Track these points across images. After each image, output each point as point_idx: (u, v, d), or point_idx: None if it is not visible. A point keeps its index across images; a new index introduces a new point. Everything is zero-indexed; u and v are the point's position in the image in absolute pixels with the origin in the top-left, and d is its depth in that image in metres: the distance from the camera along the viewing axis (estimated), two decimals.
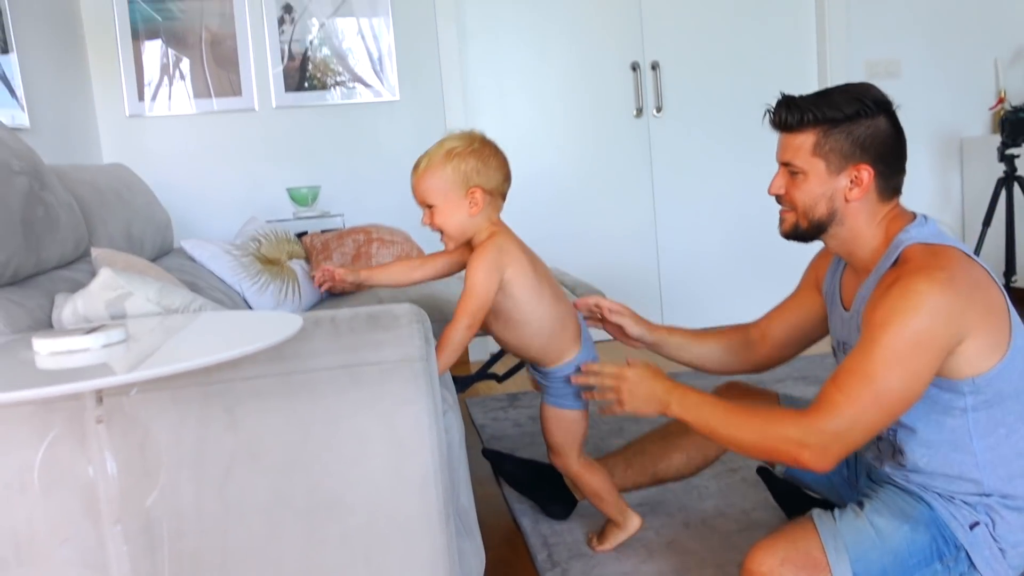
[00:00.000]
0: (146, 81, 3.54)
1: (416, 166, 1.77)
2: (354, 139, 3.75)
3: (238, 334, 1.23)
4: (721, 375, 1.95)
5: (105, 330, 1.11)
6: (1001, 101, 4.09)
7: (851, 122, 1.47)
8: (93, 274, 1.93)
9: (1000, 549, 1.49)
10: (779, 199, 1.58)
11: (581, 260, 3.80)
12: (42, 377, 0.99)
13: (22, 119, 2.65)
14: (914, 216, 1.53)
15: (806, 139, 1.50)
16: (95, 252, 1.88)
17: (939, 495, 1.51)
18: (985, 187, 4.00)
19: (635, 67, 3.92)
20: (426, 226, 1.77)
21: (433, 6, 3.73)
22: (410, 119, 3.77)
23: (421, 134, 3.79)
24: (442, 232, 1.77)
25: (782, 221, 1.59)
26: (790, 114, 1.52)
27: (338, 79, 3.68)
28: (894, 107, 1.52)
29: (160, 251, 2.73)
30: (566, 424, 1.85)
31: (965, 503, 1.50)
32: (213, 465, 1.27)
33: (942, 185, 4.22)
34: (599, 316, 1.92)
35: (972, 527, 1.49)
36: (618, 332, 1.91)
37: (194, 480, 1.26)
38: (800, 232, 1.56)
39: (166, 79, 3.56)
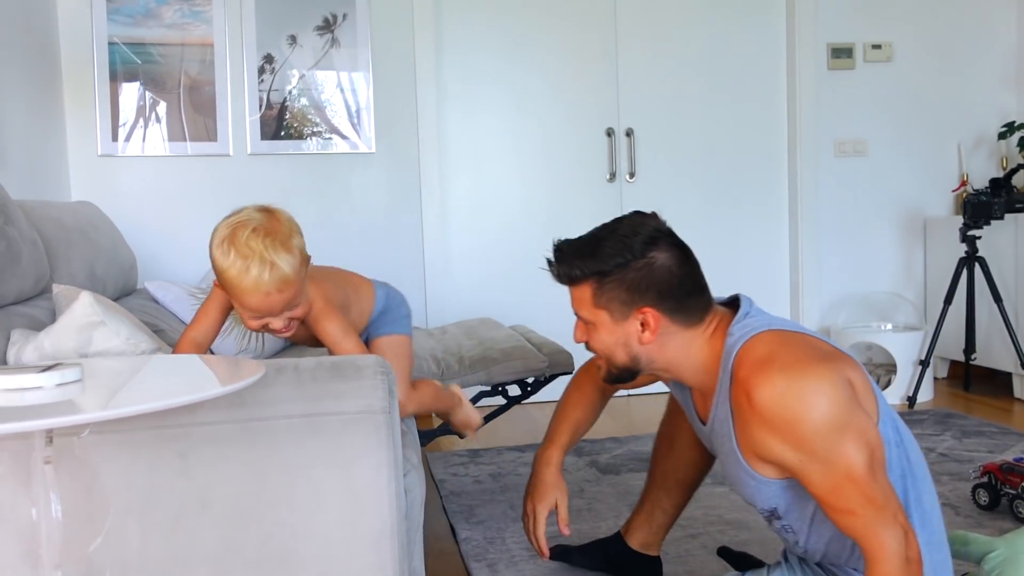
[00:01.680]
0: (121, 121, 3.54)
1: (265, 276, 1.49)
2: (327, 189, 3.75)
3: (197, 378, 1.21)
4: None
5: (60, 369, 1.09)
6: (964, 184, 4.20)
7: (621, 270, 1.41)
8: (52, 312, 1.90)
9: None
10: (586, 347, 1.53)
11: (551, 321, 3.80)
12: None
13: None
14: (734, 311, 1.47)
15: (584, 291, 1.45)
16: (56, 289, 1.85)
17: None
18: (947, 266, 4.08)
19: (610, 132, 3.99)
20: (267, 331, 1.60)
21: (413, 64, 3.78)
22: (384, 172, 3.79)
23: (395, 187, 3.81)
24: (292, 322, 1.60)
25: (599, 368, 1.54)
26: (561, 269, 1.47)
27: (315, 129, 3.70)
28: (668, 237, 1.44)
29: (123, 291, 2.69)
30: (396, 350, 1.88)
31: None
32: (162, 512, 1.23)
33: (906, 262, 4.30)
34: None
35: None
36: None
37: (141, 526, 1.22)
38: (618, 376, 1.50)
39: (141, 120, 3.56)
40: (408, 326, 1.98)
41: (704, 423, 1.55)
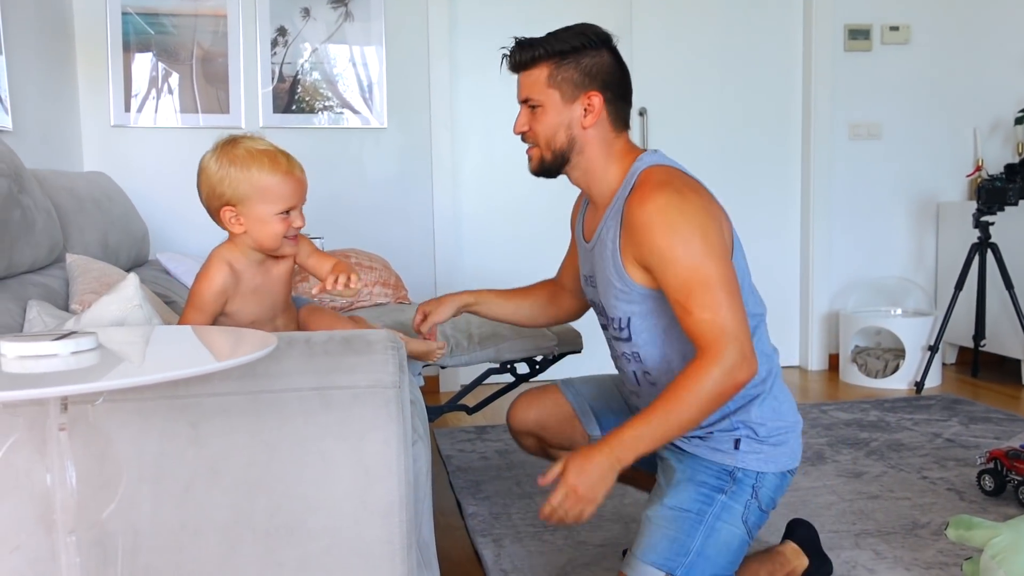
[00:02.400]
0: (133, 92, 3.54)
1: (294, 163, 1.56)
2: (338, 163, 3.75)
3: (210, 350, 1.22)
4: (533, 327, 2.08)
5: (75, 337, 1.10)
6: (978, 169, 4.18)
7: (578, 53, 1.59)
8: (66, 281, 1.91)
9: (769, 444, 1.64)
10: (523, 137, 1.67)
11: None
12: (6, 381, 0.97)
13: (5, 121, 2.63)
14: (644, 150, 1.68)
15: (540, 73, 1.60)
16: (70, 259, 1.86)
17: (699, 439, 1.66)
18: (959, 251, 4.06)
19: None
20: (291, 232, 1.58)
21: (427, 40, 3.76)
22: (395, 147, 3.79)
23: (406, 162, 3.80)
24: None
25: (530, 159, 1.68)
26: (522, 53, 1.62)
27: (327, 103, 3.69)
28: (614, 42, 1.65)
29: (135, 262, 2.71)
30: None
31: (721, 430, 1.64)
32: (173, 480, 1.24)
33: (917, 247, 4.28)
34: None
35: (736, 445, 1.63)
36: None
37: (153, 494, 1.23)
38: (546, 165, 1.65)
39: (154, 91, 3.56)
40: None
41: (588, 241, 1.72)
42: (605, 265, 1.64)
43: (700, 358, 1.47)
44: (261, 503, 1.28)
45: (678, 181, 1.55)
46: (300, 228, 1.58)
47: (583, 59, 1.60)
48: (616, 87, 1.63)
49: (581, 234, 1.78)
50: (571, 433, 1.90)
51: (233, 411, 1.27)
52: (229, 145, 1.54)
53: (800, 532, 1.91)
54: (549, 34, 1.62)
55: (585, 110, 1.61)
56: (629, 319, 1.64)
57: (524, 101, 1.64)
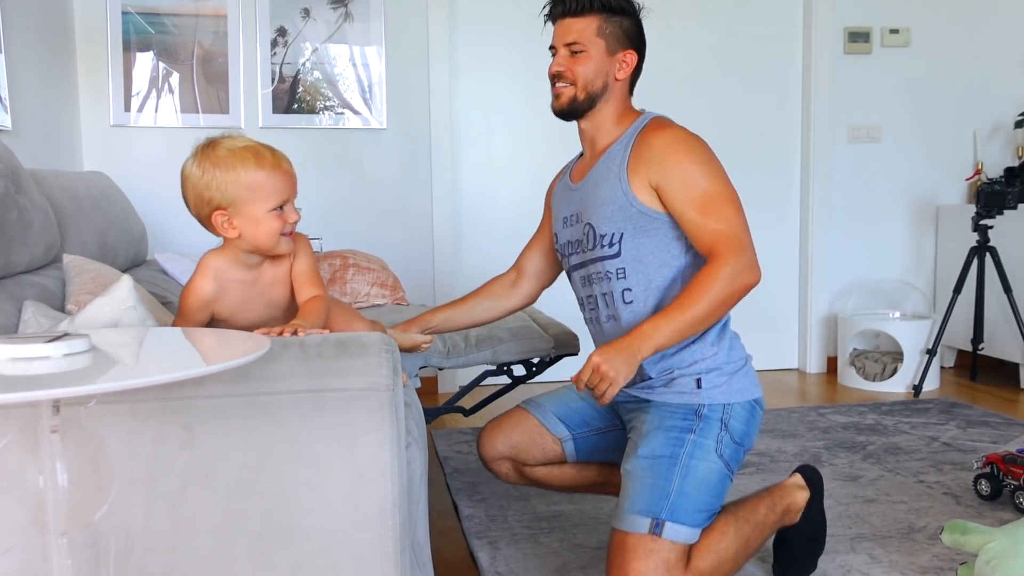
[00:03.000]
0: (134, 91, 3.54)
1: (279, 156, 1.52)
2: (338, 164, 3.75)
3: (205, 351, 1.22)
4: (496, 321, 2.16)
5: (68, 339, 1.10)
6: (978, 172, 4.17)
7: (623, 14, 1.79)
8: (63, 281, 1.91)
9: (726, 375, 1.74)
10: (559, 76, 1.81)
11: (558, 301, 3.80)
12: None
13: (4, 121, 2.63)
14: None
15: (590, 23, 1.77)
16: (67, 259, 1.86)
17: (662, 386, 1.75)
18: (958, 255, 4.06)
19: None
20: (287, 228, 1.53)
21: (426, 41, 3.76)
22: (395, 148, 3.79)
23: (405, 164, 3.80)
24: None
25: (557, 97, 1.83)
26: (576, 0, 1.77)
27: (327, 104, 3.70)
28: (643, 15, 1.84)
29: (133, 262, 2.71)
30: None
31: (682, 372, 1.73)
32: (167, 482, 1.24)
33: (916, 249, 4.28)
34: None
35: (698, 385, 1.73)
36: None
37: (146, 497, 1.23)
38: (576, 105, 1.81)
39: (154, 91, 3.56)
40: None
41: (575, 183, 1.88)
42: (606, 187, 1.77)
43: (713, 262, 1.63)
44: (254, 505, 1.28)
45: (683, 129, 1.76)
46: (296, 222, 1.54)
47: (625, 21, 1.79)
48: (642, 53, 1.84)
49: (568, 180, 1.93)
50: (542, 443, 1.95)
51: (227, 413, 1.28)
52: (209, 148, 1.50)
53: (807, 472, 1.93)
54: None
55: (621, 64, 1.80)
56: (622, 235, 1.75)
57: (568, 44, 1.79)
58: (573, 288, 1.94)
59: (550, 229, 2.04)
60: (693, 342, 1.75)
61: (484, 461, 2.00)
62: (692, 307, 1.61)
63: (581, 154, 1.95)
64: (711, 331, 1.76)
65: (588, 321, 1.92)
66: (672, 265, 1.75)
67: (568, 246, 1.90)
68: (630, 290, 1.78)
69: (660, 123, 1.78)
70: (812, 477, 1.91)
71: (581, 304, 1.93)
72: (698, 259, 1.75)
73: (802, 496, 1.86)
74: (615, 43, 1.79)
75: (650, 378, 1.78)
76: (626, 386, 1.77)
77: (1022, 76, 4.27)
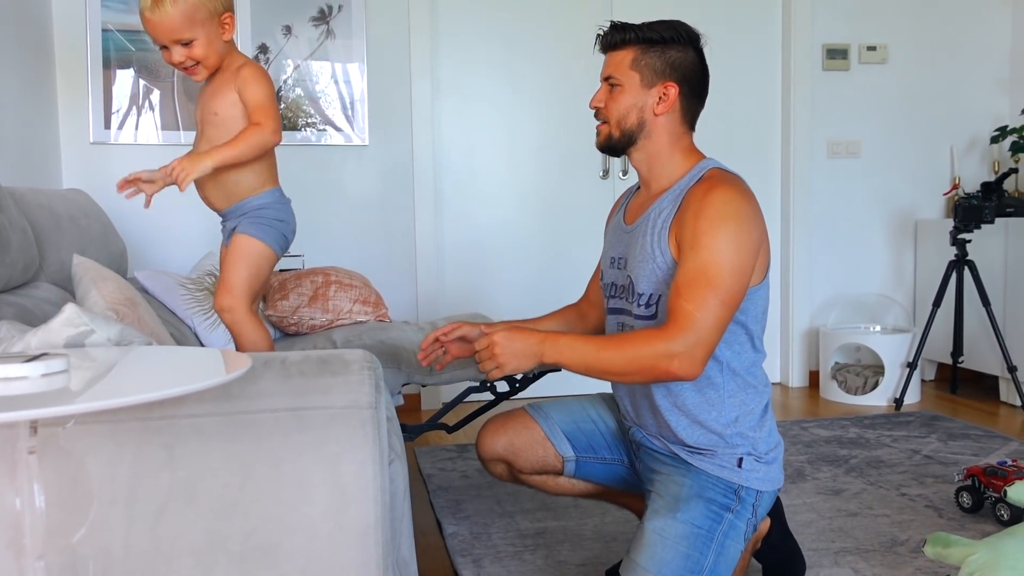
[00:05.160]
0: (114, 109, 3.52)
1: (148, 3, 1.78)
2: (320, 181, 3.74)
3: (185, 370, 1.21)
4: None
5: (45, 359, 1.08)
6: (955, 187, 4.22)
7: (665, 45, 1.69)
8: (43, 300, 1.89)
9: (764, 463, 1.68)
10: (597, 113, 1.75)
11: (539, 310, 3.81)
12: None
13: None
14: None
15: (626, 55, 1.70)
16: (77, 260, 1.82)
17: (701, 455, 1.68)
18: (937, 268, 4.10)
19: None
20: (176, 66, 1.84)
21: (408, 56, 3.77)
22: (377, 165, 3.79)
23: (388, 180, 3.80)
24: (197, 64, 1.85)
25: (598, 134, 1.76)
26: (614, 34, 1.71)
27: (309, 120, 3.69)
28: (702, 43, 1.73)
29: None
30: (257, 257, 1.94)
31: (725, 443, 1.67)
32: (146, 503, 1.23)
33: (896, 263, 4.32)
34: (440, 350, 1.88)
35: (739, 464, 1.67)
36: (463, 349, 1.88)
37: (125, 518, 1.22)
38: (612, 142, 1.73)
39: (135, 108, 3.54)
40: (276, 240, 1.97)
41: (629, 224, 1.79)
42: (649, 240, 1.69)
43: (659, 329, 1.55)
44: (236, 525, 1.27)
45: (746, 190, 1.63)
46: (187, 70, 1.84)
47: (669, 51, 1.69)
48: (694, 84, 1.72)
49: (622, 219, 1.84)
50: (543, 455, 1.90)
51: (208, 432, 1.26)
52: None
53: None
54: (644, 22, 1.72)
55: (660, 98, 1.69)
56: (659, 297, 1.67)
57: (606, 79, 1.73)
58: (607, 328, 1.86)
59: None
60: (737, 418, 1.68)
61: (481, 458, 1.97)
62: (608, 354, 1.56)
63: (639, 187, 1.86)
64: (755, 410, 1.70)
65: None
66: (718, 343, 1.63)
67: (611, 287, 1.83)
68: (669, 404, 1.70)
69: (711, 179, 1.65)
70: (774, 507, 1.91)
71: None
72: (731, 335, 1.67)
73: (765, 524, 1.87)
74: (652, 75, 1.69)
75: (685, 444, 1.71)
76: (659, 435, 1.74)
77: (997, 93, 4.33)
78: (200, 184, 1.93)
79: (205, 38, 1.81)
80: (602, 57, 1.77)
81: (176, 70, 3.56)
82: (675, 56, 1.69)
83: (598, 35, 1.76)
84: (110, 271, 1.88)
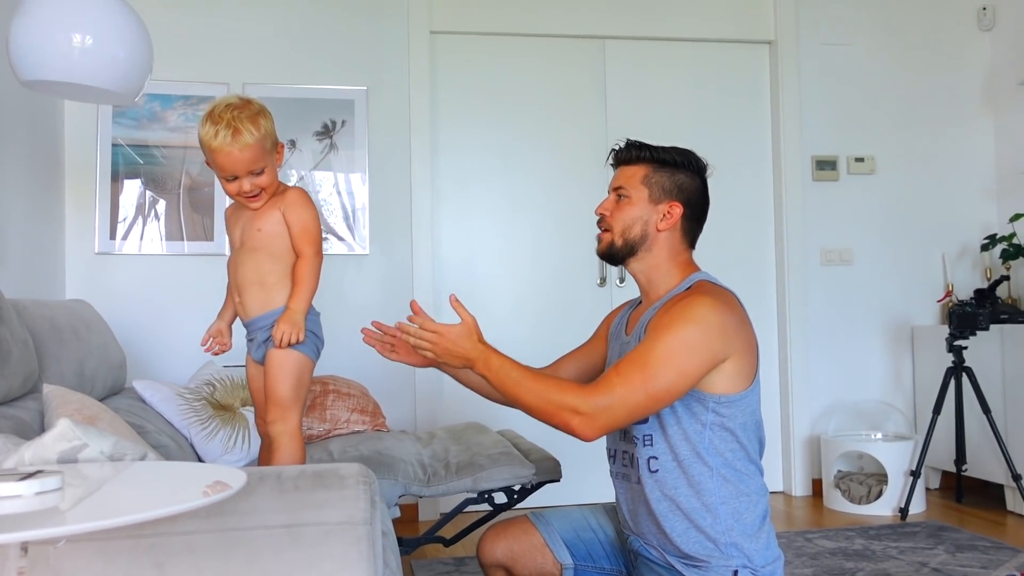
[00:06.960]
0: (120, 218, 3.59)
1: (228, 138, 1.85)
2: (322, 289, 3.75)
3: (179, 486, 1.21)
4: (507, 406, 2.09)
5: (40, 477, 1.08)
6: (949, 294, 4.26)
7: (676, 167, 1.80)
8: (40, 413, 1.90)
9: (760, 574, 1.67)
10: (601, 220, 1.85)
11: (539, 425, 3.79)
12: None
13: None
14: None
15: (638, 171, 1.81)
16: (47, 389, 1.85)
17: (696, 567, 1.68)
18: (935, 374, 4.10)
19: None
20: (241, 195, 1.92)
21: (408, 168, 3.87)
22: (377, 274, 3.84)
23: (388, 288, 3.84)
24: (261, 192, 1.93)
25: (599, 241, 1.85)
26: (631, 151, 1.83)
27: None
28: (709, 173, 1.86)
29: (111, 390, 2.69)
30: (299, 369, 1.95)
31: (721, 553, 1.66)
32: None
33: (894, 370, 4.32)
34: (391, 341, 1.98)
35: None
36: (412, 355, 1.98)
37: None
38: (615, 250, 1.82)
39: (140, 218, 3.62)
40: (312, 349, 2.02)
41: (628, 335, 1.86)
42: (635, 343, 1.75)
43: (580, 386, 1.63)
44: None
45: (725, 303, 1.68)
46: (249, 198, 1.92)
47: (678, 174, 1.80)
48: (696, 208, 1.83)
49: (623, 330, 1.91)
50: (541, 562, 1.89)
51: (200, 550, 1.25)
52: (213, 108, 1.88)
53: None
54: (659, 145, 1.84)
55: (664, 215, 1.79)
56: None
57: (615, 189, 1.83)
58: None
59: (598, 352, 2.02)
60: (731, 527, 1.68)
61: (481, 564, 1.95)
62: (527, 386, 1.65)
63: (641, 300, 1.92)
64: (750, 520, 1.70)
65: (614, 475, 1.86)
66: (693, 440, 1.69)
67: None
68: (656, 458, 1.73)
69: (696, 289, 1.73)
70: None
71: (610, 456, 1.88)
72: (720, 442, 1.69)
73: None
74: (660, 193, 1.79)
75: (681, 552, 1.71)
76: (657, 545, 1.74)
77: (984, 201, 4.42)
78: (241, 289, 2.00)
79: (271, 167, 1.91)
80: (605, 171, 1.86)
81: (183, 185, 3.66)
82: (683, 180, 1.80)
83: (613, 149, 1.86)
84: (76, 394, 1.89)
